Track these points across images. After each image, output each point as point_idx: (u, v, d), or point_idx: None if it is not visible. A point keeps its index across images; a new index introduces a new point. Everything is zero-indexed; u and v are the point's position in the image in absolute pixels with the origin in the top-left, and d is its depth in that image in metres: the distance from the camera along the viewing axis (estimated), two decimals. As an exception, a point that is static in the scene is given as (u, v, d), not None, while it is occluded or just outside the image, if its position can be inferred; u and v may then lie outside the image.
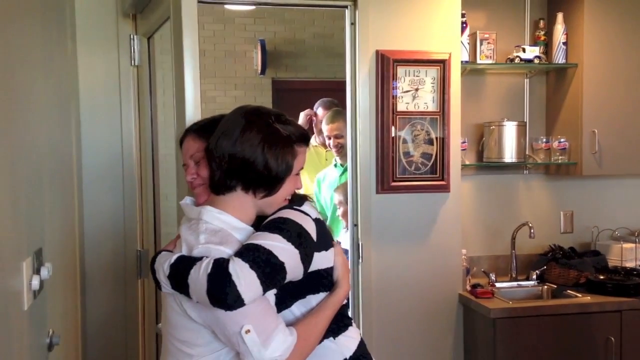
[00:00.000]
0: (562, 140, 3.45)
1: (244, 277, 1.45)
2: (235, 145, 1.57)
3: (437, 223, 3.13)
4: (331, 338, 1.68)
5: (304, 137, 1.66)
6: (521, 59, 3.39)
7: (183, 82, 2.13)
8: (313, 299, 1.66)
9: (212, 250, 1.51)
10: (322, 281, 1.67)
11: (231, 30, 5.55)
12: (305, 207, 1.67)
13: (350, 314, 2.96)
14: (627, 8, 3.37)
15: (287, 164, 1.60)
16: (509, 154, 3.40)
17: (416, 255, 3.10)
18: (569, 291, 3.25)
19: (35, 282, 1.58)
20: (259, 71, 5.55)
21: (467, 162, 3.45)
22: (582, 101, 3.35)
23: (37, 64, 1.88)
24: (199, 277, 1.46)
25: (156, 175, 2.99)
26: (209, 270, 1.45)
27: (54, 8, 2.33)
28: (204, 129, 1.73)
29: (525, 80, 3.62)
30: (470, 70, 3.45)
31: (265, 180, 1.58)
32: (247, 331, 1.47)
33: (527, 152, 3.53)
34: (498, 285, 3.33)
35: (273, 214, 1.63)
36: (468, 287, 3.21)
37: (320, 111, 3.95)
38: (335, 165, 3.67)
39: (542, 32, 3.51)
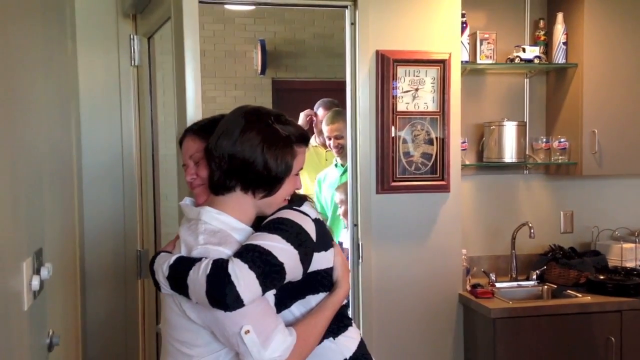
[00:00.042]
0: (562, 140, 3.45)
1: (243, 278, 1.44)
2: (235, 145, 1.56)
3: (437, 223, 3.13)
4: (331, 338, 1.68)
5: (303, 138, 1.66)
6: (521, 59, 3.39)
7: (184, 82, 2.13)
8: (313, 299, 1.66)
9: (211, 251, 1.51)
10: (321, 281, 1.67)
11: (231, 31, 5.55)
12: (305, 208, 1.67)
13: (350, 314, 2.96)
14: (627, 8, 3.37)
15: (287, 164, 1.60)
16: (509, 154, 3.40)
17: (416, 255, 3.10)
18: (569, 291, 3.25)
19: (35, 283, 1.58)
20: (259, 71, 5.55)
21: (467, 162, 3.45)
22: (582, 101, 3.35)
23: (37, 64, 1.88)
24: (198, 278, 1.46)
25: (156, 175, 2.99)
26: (208, 271, 1.45)
27: (54, 8, 2.33)
28: (204, 129, 1.73)
29: (525, 80, 3.62)
30: (470, 70, 3.45)
31: (265, 180, 1.58)
32: (247, 332, 1.47)
33: (527, 152, 3.53)
34: (498, 285, 3.32)
35: (272, 214, 1.63)
36: (468, 287, 3.21)
37: (320, 111, 3.95)
38: (336, 166, 3.67)
39: (542, 32, 3.51)
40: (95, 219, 2.96)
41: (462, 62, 3.20)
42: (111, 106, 2.97)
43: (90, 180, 2.95)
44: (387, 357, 3.04)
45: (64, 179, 2.45)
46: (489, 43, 3.39)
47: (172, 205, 2.53)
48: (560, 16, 3.41)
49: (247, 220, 1.62)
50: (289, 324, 1.58)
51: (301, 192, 1.77)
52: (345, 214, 3.38)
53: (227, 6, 5.04)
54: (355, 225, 3.00)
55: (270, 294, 1.57)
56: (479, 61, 3.38)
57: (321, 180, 3.73)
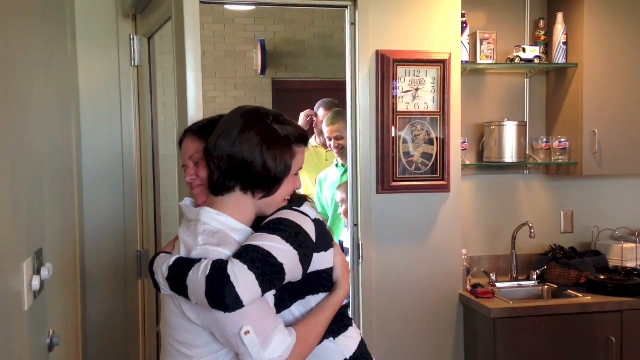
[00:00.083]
0: (562, 140, 3.45)
1: (243, 279, 1.44)
2: (234, 145, 1.56)
3: (437, 223, 3.13)
4: (331, 338, 1.68)
5: (302, 138, 1.65)
6: (521, 59, 3.39)
7: (185, 82, 2.13)
8: (312, 300, 1.66)
9: (210, 252, 1.51)
10: (321, 282, 1.67)
11: (231, 31, 5.55)
12: (305, 208, 1.67)
13: (350, 314, 2.96)
14: (627, 8, 3.37)
15: (286, 164, 1.60)
16: (509, 154, 3.40)
17: (416, 255, 3.10)
18: (569, 291, 3.25)
19: (36, 283, 1.58)
20: (259, 71, 5.55)
21: (468, 162, 3.45)
22: (582, 101, 3.35)
23: (37, 64, 1.88)
24: (197, 279, 1.46)
25: (157, 175, 2.99)
26: (207, 272, 1.45)
27: (54, 8, 2.33)
28: (203, 129, 1.73)
29: (526, 80, 3.62)
30: (471, 70, 3.45)
31: (264, 180, 1.58)
32: (246, 332, 1.46)
33: (527, 152, 3.53)
34: (498, 285, 3.32)
35: (272, 214, 1.63)
36: (468, 287, 3.21)
37: (321, 112, 3.95)
38: (337, 166, 3.68)
39: (542, 32, 3.51)
40: (95, 219, 2.96)
41: (462, 62, 3.20)
42: (111, 106, 2.97)
43: (90, 180, 2.94)
44: (387, 357, 3.04)
45: (64, 179, 2.45)
46: (489, 43, 3.39)
47: (173, 205, 2.53)
48: (560, 16, 3.41)
49: (247, 221, 1.62)
50: (289, 325, 1.57)
51: (301, 192, 1.77)
52: (346, 213, 3.38)
53: (227, 6, 5.04)
54: (356, 225, 3.00)
55: (270, 295, 1.56)
56: (479, 61, 3.38)
57: (322, 180, 3.73)
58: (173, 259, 1.54)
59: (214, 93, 5.49)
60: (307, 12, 5.57)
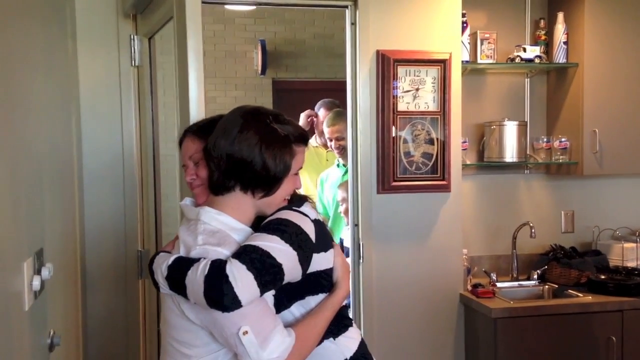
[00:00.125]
0: (562, 139, 3.45)
1: (241, 279, 1.44)
2: (233, 145, 1.56)
3: (437, 223, 3.13)
4: (331, 338, 1.67)
5: (302, 137, 1.65)
6: (522, 59, 3.39)
7: (187, 82, 2.12)
8: (312, 300, 1.65)
9: (209, 252, 1.51)
10: (321, 282, 1.67)
11: (231, 31, 5.55)
12: (305, 208, 1.67)
13: (351, 313, 2.96)
14: (627, 8, 3.37)
15: (285, 164, 1.59)
16: (510, 154, 3.40)
17: (417, 255, 3.10)
18: (570, 291, 3.25)
19: (36, 283, 1.58)
20: (260, 71, 5.55)
21: (468, 162, 3.45)
22: (582, 101, 3.35)
23: (37, 64, 1.88)
24: (196, 278, 1.46)
25: (157, 175, 2.99)
26: (206, 272, 1.45)
27: (54, 8, 2.33)
28: (203, 129, 1.73)
29: (526, 79, 3.62)
30: (471, 70, 3.45)
31: (264, 180, 1.58)
32: (245, 332, 1.46)
33: (527, 152, 3.53)
34: (499, 285, 3.32)
35: (272, 214, 1.62)
36: (469, 287, 3.21)
37: (321, 112, 3.95)
38: (338, 165, 3.68)
39: (543, 32, 3.51)
40: (95, 219, 2.96)
41: (462, 61, 3.20)
42: (112, 106, 2.97)
43: (90, 180, 2.95)
44: (387, 357, 3.04)
45: (64, 179, 2.45)
46: (489, 43, 3.38)
47: (173, 205, 2.53)
48: (560, 16, 3.41)
49: (247, 221, 1.62)
50: (288, 325, 1.57)
51: (301, 192, 1.77)
52: (346, 212, 3.38)
53: (227, 6, 5.04)
54: (356, 225, 3.00)
55: (269, 295, 1.56)
56: (479, 61, 3.38)
57: (323, 180, 3.73)
58: (172, 258, 1.54)
59: (214, 93, 5.49)
60: (308, 12, 5.57)
